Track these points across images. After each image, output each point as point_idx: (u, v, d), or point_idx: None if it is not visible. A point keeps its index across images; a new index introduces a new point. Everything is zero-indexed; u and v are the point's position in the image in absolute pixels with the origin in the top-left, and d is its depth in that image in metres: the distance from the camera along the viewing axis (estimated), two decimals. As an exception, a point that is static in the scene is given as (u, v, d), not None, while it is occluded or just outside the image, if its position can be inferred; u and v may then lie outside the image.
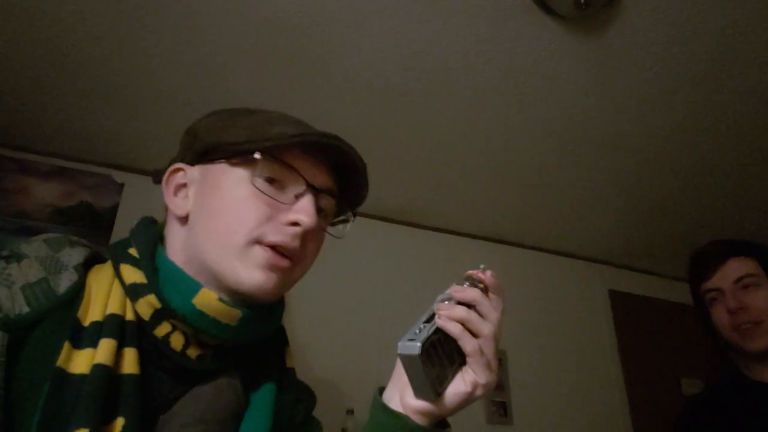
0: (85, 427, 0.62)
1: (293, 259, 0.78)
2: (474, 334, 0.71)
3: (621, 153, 2.65)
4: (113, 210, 2.62)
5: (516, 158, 2.70)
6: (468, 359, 0.72)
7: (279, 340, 0.91)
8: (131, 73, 2.20)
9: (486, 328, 0.72)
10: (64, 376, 0.65)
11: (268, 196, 0.77)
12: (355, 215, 0.90)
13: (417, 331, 0.70)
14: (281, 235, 0.76)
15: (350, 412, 2.48)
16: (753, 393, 1.43)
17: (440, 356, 0.70)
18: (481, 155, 2.68)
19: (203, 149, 0.82)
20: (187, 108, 2.35)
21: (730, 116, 2.41)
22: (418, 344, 0.67)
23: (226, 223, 0.76)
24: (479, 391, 0.73)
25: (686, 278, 1.62)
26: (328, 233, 0.88)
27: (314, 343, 2.61)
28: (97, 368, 0.66)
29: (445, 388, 0.72)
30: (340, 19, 1.96)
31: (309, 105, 2.32)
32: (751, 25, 1.98)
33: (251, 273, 0.75)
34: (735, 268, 1.46)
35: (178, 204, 0.82)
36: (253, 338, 0.81)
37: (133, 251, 0.78)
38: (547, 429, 2.98)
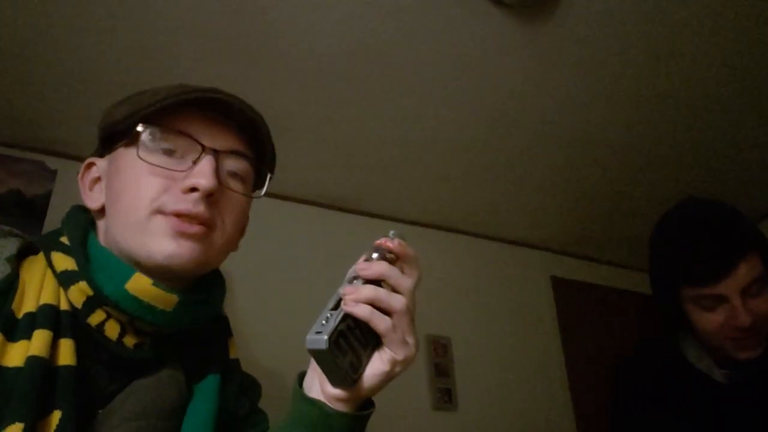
0: (20, 421, 0.60)
1: (205, 224, 0.74)
2: (386, 311, 0.67)
3: (562, 140, 2.70)
4: (46, 198, 2.51)
5: (458, 144, 2.72)
6: (383, 338, 0.68)
7: (222, 331, 0.89)
8: (65, 52, 2.10)
9: (397, 302, 0.67)
10: None
11: (161, 167, 0.74)
12: (271, 173, 0.86)
13: (324, 321, 0.65)
14: (182, 203, 0.73)
15: (295, 401, 2.46)
16: (712, 384, 1.29)
17: (351, 343, 0.67)
18: (422, 140, 2.69)
19: (105, 137, 0.81)
20: (125, 90, 2.20)
21: (669, 105, 2.48)
22: (325, 337, 0.63)
23: (127, 203, 0.74)
24: (398, 368, 0.69)
25: (658, 271, 1.31)
26: (252, 197, 0.85)
27: (258, 334, 2.57)
28: (32, 360, 0.64)
29: (360, 374, 0.68)
30: (284, 3, 1.93)
31: (248, 88, 2.25)
32: (688, 18, 2.04)
33: (160, 244, 0.72)
34: (746, 271, 1.16)
35: (93, 198, 0.82)
36: (192, 323, 0.79)
37: (64, 239, 0.76)
38: (491, 413, 3.03)
